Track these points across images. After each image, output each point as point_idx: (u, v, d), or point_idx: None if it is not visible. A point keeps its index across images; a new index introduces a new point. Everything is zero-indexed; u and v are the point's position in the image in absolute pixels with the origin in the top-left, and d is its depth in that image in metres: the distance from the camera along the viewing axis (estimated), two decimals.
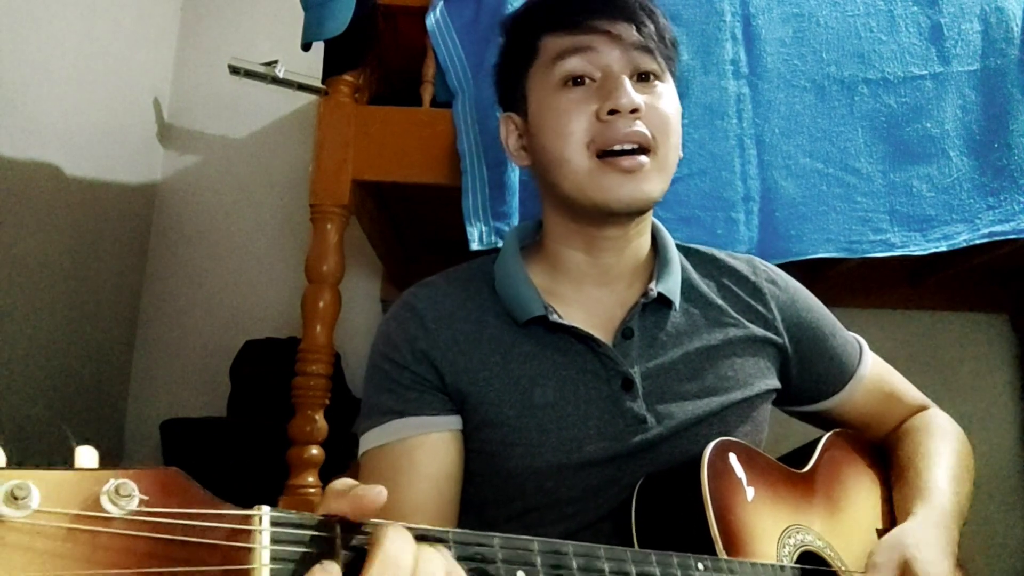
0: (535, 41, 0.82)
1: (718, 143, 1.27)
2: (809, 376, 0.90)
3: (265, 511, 0.38)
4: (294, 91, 1.38)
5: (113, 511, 0.33)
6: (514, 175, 1.24)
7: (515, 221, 1.22)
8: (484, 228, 1.22)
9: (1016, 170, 1.24)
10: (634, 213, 0.80)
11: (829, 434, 0.89)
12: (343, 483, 0.43)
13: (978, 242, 1.23)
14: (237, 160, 2.09)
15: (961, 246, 1.23)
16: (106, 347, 1.87)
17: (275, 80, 1.37)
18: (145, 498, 0.34)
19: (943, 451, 0.87)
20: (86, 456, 0.34)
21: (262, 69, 1.37)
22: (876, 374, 0.94)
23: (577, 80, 0.79)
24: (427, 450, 0.77)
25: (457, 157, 1.26)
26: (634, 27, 0.79)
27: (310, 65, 1.35)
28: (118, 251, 1.91)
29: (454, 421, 0.79)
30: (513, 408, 0.77)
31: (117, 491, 0.33)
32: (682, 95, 1.21)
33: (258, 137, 2.10)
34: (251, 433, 1.59)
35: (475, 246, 1.20)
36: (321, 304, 1.25)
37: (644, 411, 0.78)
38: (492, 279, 0.84)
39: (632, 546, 0.69)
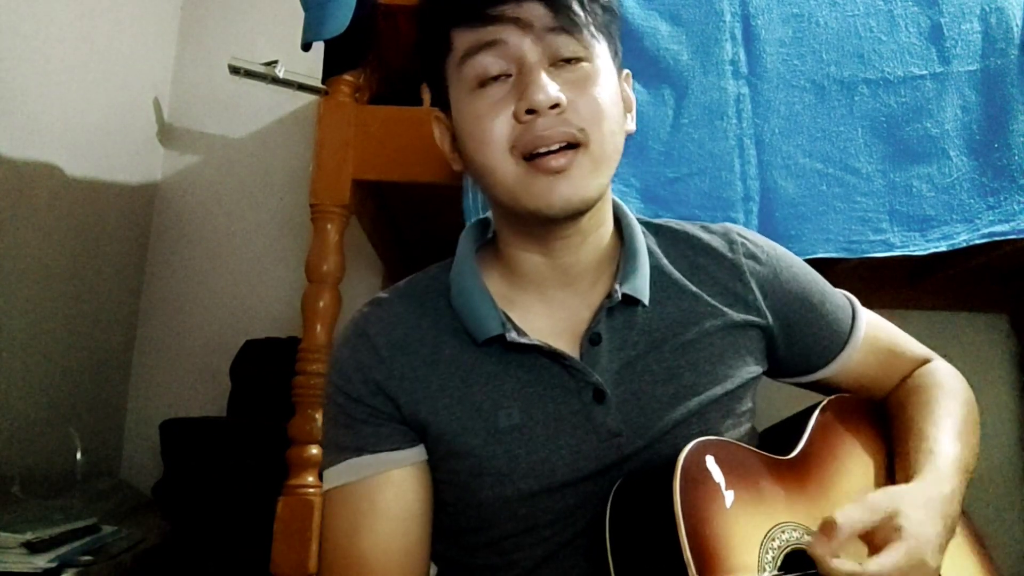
0: (445, 35, 0.74)
1: (717, 143, 1.26)
2: (800, 350, 0.86)
3: None
4: (294, 91, 1.38)
5: None
6: None
7: None
8: None
9: (1016, 170, 1.24)
10: (575, 214, 0.73)
11: (821, 404, 0.85)
12: None
13: (978, 242, 1.23)
14: (237, 160, 2.09)
15: (961, 246, 1.23)
16: (106, 347, 1.87)
17: (275, 80, 1.37)
18: None
19: (946, 411, 0.82)
20: None
21: (262, 69, 1.37)
22: (872, 335, 0.88)
23: (493, 77, 0.71)
24: (389, 490, 0.73)
25: None
26: (546, 7, 0.70)
27: (310, 65, 1.35)
28: (118, 251, 1.91)
29: (416, 453, 0.75)
30: (478, 436, 0.73)
31: None
32: (681, 95, 1.18)
33: (258, 137, 2.10)
34: (251, 433, 1.59)
35: None
36: (321, 304, 1.25)
37: (619, 423, 0.73)
38: (448, 289, 0.78)
39: (605, 559, 0.66)
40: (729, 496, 0.68)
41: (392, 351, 0.75)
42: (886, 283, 1.76)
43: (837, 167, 1.26)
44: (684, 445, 0.68)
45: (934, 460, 0.75)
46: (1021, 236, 1.23)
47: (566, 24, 0.70)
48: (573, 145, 0.70)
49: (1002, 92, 1.27)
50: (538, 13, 0.70)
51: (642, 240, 0.81)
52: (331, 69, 1.30)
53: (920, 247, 1.24)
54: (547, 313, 0.78)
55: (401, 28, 1.46)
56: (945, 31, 1.29)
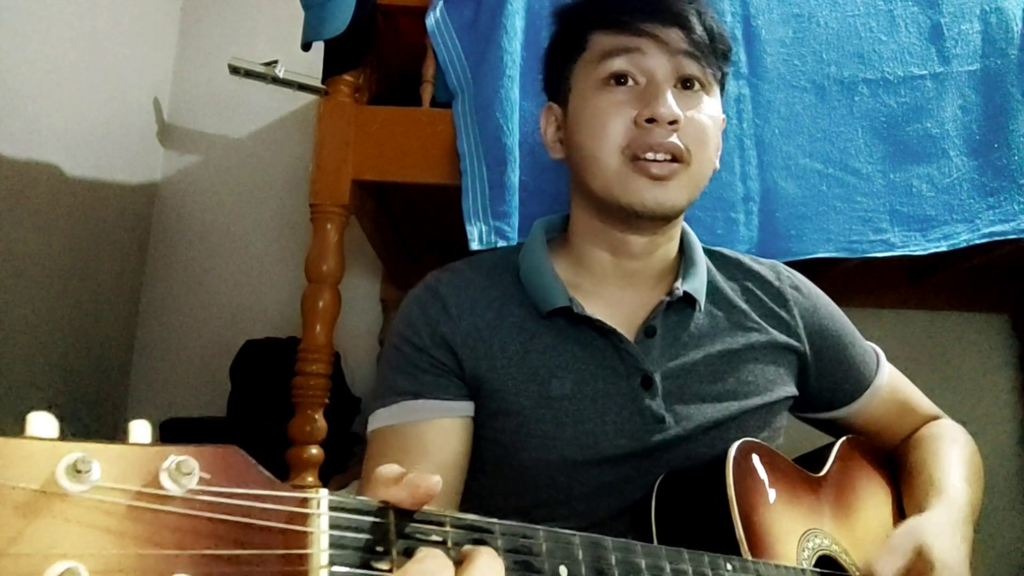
0: (584, 36, 0.82)
1: None
2: (827, 384, 0.90)
3: (323, 495, 0.37)
4: (294, 91, 1.38)
5: (173, 489, 0.31)
6: (514, 175, 1.24)
7: (515, 221, 1.22)
8: (484, 228, 1.22)
9: (1016, 170, 1.24)
10: (658, 219, 0.80)
11: (842, 440, 0.89)
12: (392, 469, 0.42)
13: (978, 242, 1.23)
14: (237, 160, 2.09)
15: (961, 246, 1.23)
16: (106, 347, 1.87)
17: (275, 80, 1.37)
18: (206, 476, 0.32)
19: (956, 456, 0.86)
20: (141, 431, 0.33)
21: (262, 69, 1.37)
22: (892, 385, 0.94)
23: (620, 79, 0.78)
24: (437, 435, 0.77)
25: (457, 157, 1.26)
26: (684, 34, 0.78)
27: (310, 65, 1.35)
28: (118, 251, 1.91)
29: (467, 408, 0.79)
30: (530, 398, 0.77)
31: (178, 468, 0.31)
32: None
33: (258, 137, 2.10)
34: (251, 433, 1.59)
35: (475, 246, 1.20)
36: (321, 304, 1.25)
37: (663, 411, 0.77)
38: (516, 268, 0.84)
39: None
40: (772, 493, 0.72)
41: (461, 310, 0.81)
42: (886, 283, 1.76)
43: (837, 167, 1.27)
44: (722, 446, 0.72)
45: (945, 491, 0.79)
46: (1021, 236, 1.23)
47: (696, 50, 0.78)
48: (677, 160, 0.77)
49: (1002, 92, 1.27)
50: (676, 36, 0.78)
51: (702, 252, 0.88)
52: (331, 69, 1.30)
53: (920, 247, 1.24)
54: (607, 304, 0.83)
55: (401, 28, 1.46)
56: (945, 31, 1.29)
